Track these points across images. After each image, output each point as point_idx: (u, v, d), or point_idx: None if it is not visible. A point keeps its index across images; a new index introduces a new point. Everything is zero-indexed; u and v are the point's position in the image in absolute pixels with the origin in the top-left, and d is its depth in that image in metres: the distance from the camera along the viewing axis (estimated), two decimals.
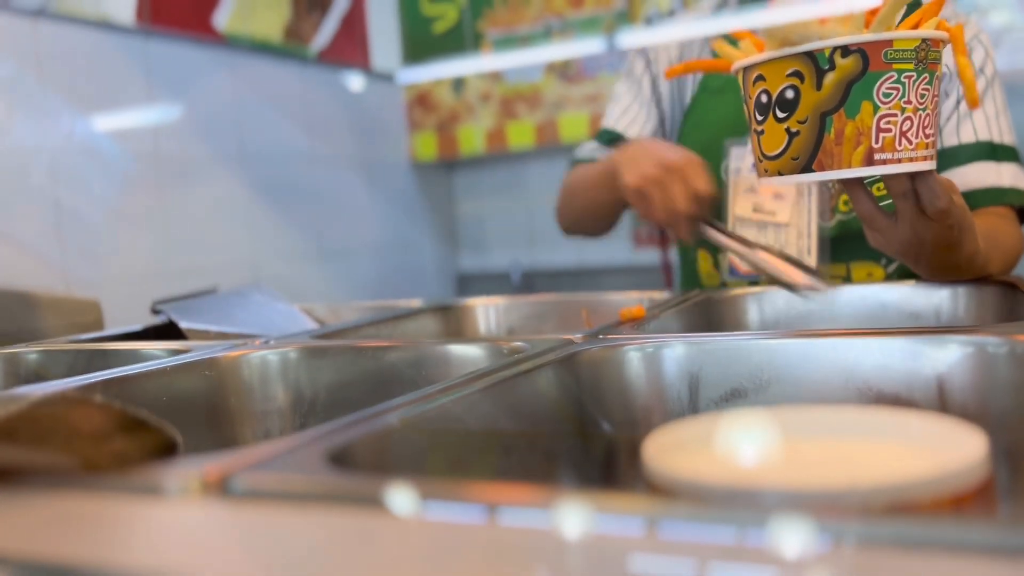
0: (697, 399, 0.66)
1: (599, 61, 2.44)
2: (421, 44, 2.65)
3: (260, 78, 2.12)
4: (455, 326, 1.11)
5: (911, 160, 0.68)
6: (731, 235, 0.89)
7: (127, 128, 1.78)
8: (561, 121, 2.50)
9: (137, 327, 1.04)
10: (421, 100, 2.66)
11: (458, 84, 2.62)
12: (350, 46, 2.49)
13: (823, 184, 1.05)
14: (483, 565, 0.30)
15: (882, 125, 0.66)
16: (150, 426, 0.45)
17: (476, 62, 2.56)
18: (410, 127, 2.67)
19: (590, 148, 1.28)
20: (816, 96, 0.67)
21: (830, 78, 0.66)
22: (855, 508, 0.38)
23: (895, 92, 0.66)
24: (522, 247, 2.73)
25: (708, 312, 0.96)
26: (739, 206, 1.09)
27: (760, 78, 0.70)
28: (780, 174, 0.71)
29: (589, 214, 1.23)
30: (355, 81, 2.46)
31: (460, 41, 2.59)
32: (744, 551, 0.29)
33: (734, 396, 0.65)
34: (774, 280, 0.82)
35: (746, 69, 0.71)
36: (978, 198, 1.02)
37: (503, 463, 0.57)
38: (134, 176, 1.79)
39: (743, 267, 1.09)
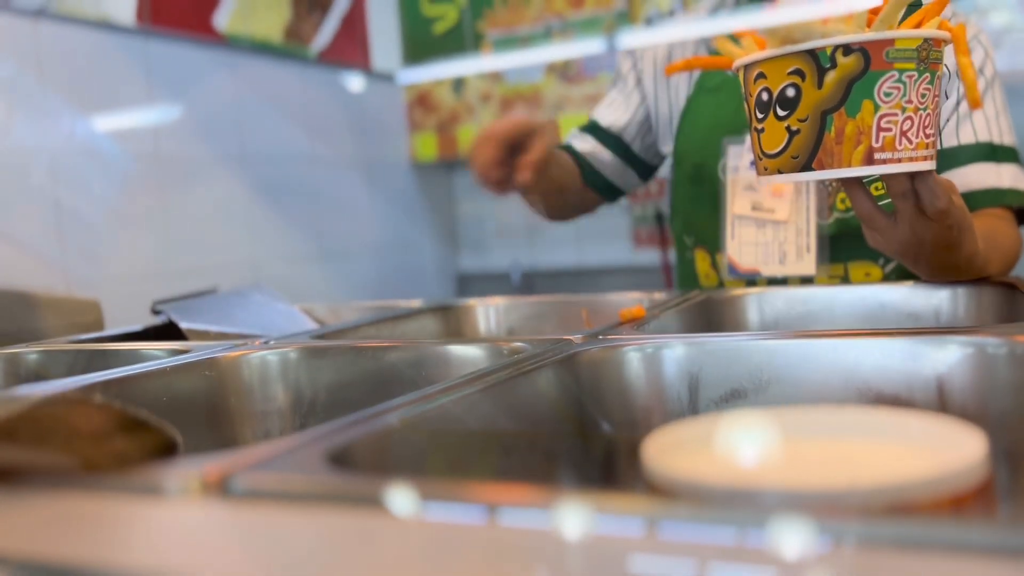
0: (697, 399, 0.66)
1: (599, 61, 2.44)
2: (421, 44, 2.65)
3: (260, 78, 2.12)
4: (455, 326, 1.11)
5: (911, 160, 0.68)
6: None
7: (127, 128, 1.78)
8: (561, 121, 2.49)
9: (137, 327, 1.04)
10: (421, 100, 2.66)
11: (458, 84, 2.62)
12: (350, 46, 2.49)
13: (821, 182, 1.05)
14: (483, 565, 0.30)
15: (883, 124, 0.66)
16: (150, 426, 0.45)
17: (476, 62, 2.56)
18: (410, 127, 2.67)
19: (568, 137, 1.31)
20: (817, 94, 0.67)
21: (831, 77, 0.66)
22: (855, 508, 0.38)
23: (896, 91, 0.66)
24: (522, 247, 2.73)
25: (708, 312, 0.96)
26: (737, 204, 1.09)
27: (761, 76, 0.70)
28: (780, 172, 0.71)
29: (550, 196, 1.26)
30: (355, 81, 2.46)
31: (460, 41, 2.59)
32: (744, 551, 0.29)
33: (734, 396, 0.65)
34: None
35: (747, 67, 0.71)
36: (978, 199, 1.02)
37: (503, 463, 0.57)
38: (134, 176, 1.79)
39: (742, 266, 1.09)
